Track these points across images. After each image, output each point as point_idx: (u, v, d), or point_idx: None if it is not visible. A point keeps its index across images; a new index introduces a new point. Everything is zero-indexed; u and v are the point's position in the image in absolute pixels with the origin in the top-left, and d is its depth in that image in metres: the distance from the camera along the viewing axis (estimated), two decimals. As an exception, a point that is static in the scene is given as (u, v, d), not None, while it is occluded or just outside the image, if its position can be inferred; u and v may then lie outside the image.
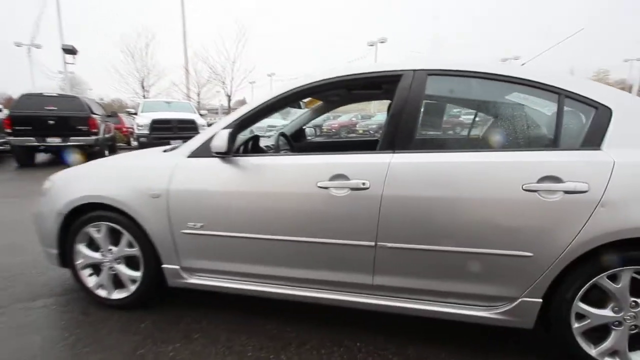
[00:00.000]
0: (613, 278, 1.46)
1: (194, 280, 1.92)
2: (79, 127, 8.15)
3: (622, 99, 1.54)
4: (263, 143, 2.67)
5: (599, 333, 1.53)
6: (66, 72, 14.77)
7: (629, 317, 1.46)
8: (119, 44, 22.42)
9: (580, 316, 1.52)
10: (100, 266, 2.08)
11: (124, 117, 14.52)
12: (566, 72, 1.63)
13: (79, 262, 2.09)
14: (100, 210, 1.97)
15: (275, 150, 2.55)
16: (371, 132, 17.51)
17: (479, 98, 1.80)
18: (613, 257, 1.43)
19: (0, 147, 8.88)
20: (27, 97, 8.15)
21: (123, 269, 2.03)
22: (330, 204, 1.63)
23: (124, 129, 13.80)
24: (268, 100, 1.83)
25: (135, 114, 10.48)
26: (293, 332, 1.86)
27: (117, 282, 2.07)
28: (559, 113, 1.54)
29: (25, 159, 8.21)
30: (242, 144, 2.13)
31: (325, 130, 18.30)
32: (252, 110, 1.85)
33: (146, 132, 8.70)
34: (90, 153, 8.10)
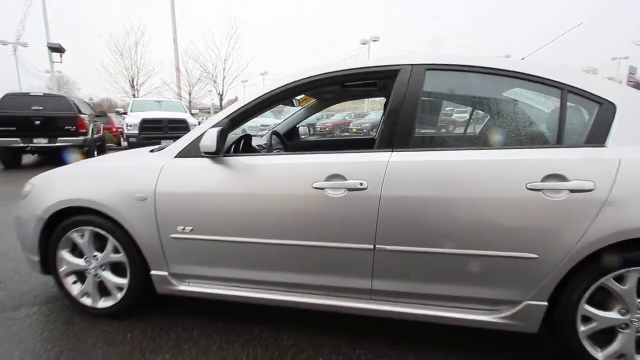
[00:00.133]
0: (619, 279, 1.41)
1: (184, 287, 1.83)
2: (67, 128, 7.95)
3: (626, 95, 1.49)
4: (255, 142, 2.58)
5: (605, 336, 1.48)
6: (53, 71, 14.42)
7: (636, 319, 1.42)
8: (107, 42, 21.88)
9: (586, 319, 1.47)
10: (84, 273, 1.98)
11: (113, 117, 14.26)
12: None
13: (62, 269, 1.99)
14: (84, 214, 1.86)
15: (268, 149, 2.47)
16: (364, 130, 17.48)
17: (479, 94, 1.74)
18: (619, 258, 1.38)
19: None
20: (12, 97, 7.94)
21: (109, 276, 1.93)
22: (327, 205, 1.56)
23: (114, 129, 13.55)
24: (261, 97, 1.75)
25: (125, 113, 10.29)
26: (289, 340, 1.79)
27: (103, 289, 1.97)
28: (562, 109, 1.48)
29: (10, 161, 8.01)
30: (233, 143, 2.05)
31: (318, 129, 18.20)
32: (243, 107, 1.76)
33: (136, 132, 8.53)
34: (79, 154, 7.92)
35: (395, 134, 1.56)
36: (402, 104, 1.57)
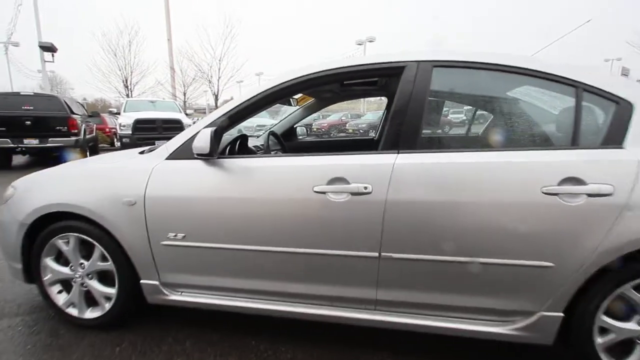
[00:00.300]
0: (639, 288, 1.33)
1: (176, 297, 1.72)
2: (58, 128, 7.79)
3: None
4: (252, 143, 2.48)
5: (622, 347, 1.40)
6: (44, 71, 14.16)
7: (656, 331, 1.34)
8: (100, 42, 21.52)
9: (604, 330, 1.39)
10: (70, 282, 1.86)
11: (106, 117, 14.06)
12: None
13: (47, 277, 1.87)
14: (68, 219, 1.75)
15: (265, 150, 2.36)
16: (361, 131, 17.41)
17: (490, 92, 1.65)
18: (639, 266, 1.30)
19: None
20: (3, 97, 7.79)
21: (96, 285, 1.82)
22: (329, 210, 1.46)
23: (107, 130, 13.34)
24: (257, 95, 1.64)
25: (118, 113, 10.13)
26: (288, 352, 1.69)
27: (90, 299, 1.86)
28: (577, 108, 1.40)
29: (0, 161, 7.81)
30: (228, 144, 1.94)
31: (314, 129, 18.10)
32: (239, 106, 1.66)
33: (129, 132, 8.38)
34: (71, 154, 7.76)
35: (401, 134, 1.47)
36: (408, 103, 1.48)
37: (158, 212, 1.62)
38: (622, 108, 1.38)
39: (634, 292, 1.34)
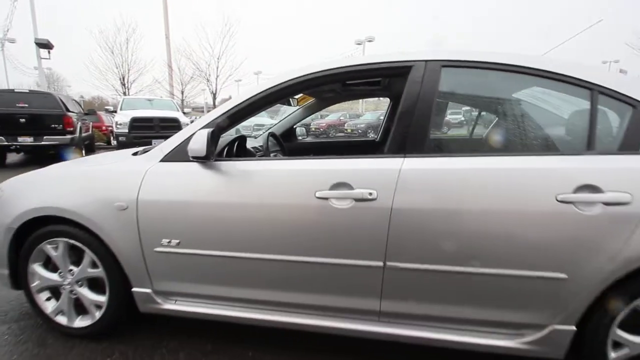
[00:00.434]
0: (656, 302, 1.27)
1: (170, 305, 1.64)
2: (53, 126, 7.68)
3: None
4: (250, 144, 2.40)
5: None
6: (41, 68, 13.98)
7: (674, 347, 1.28)
8: (97, 39, 21.26)
9: (617, 344, 1.33)
10: (59, 289, 1.78)
11: (103, 115, 13.93)
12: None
13: (35, 284, 1.79)
14: (57, 224, 1.67)
15: (265, 152, 2.29)
16: (360, 131, 17.34)
17: (502, 94, 1.58)
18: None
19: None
20: (-3, 94, 7.64)
21: (86, 293, 1.73)
22: (331, 217, 1.39)
23: (104, 128, 13.22)
24: (257, 95, 1.57)
25: (115, 111, 10.00)
26: (286, 365, 1.61)
27: (80, 307, 1.78)
28: (593, 111, 1.34)
29: (-6, 159, 7.70)
30: (226, 145, 1.86)
31: (313, 129, 18.01)
32: (238, 106, 1.58)
33: (125, 130, 8.26)
34: (67, 153, 7.65)
35: (408, 138, 1.40)
36: (416, 105, 1.40)
37: (151, 217, 1.54)
38: (639, 112, 1.32)
39: (650, 305, 1.28)
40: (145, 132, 8.27)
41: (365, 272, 1.41)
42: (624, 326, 1.31)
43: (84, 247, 1.65)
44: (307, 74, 1.56)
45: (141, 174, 1.57)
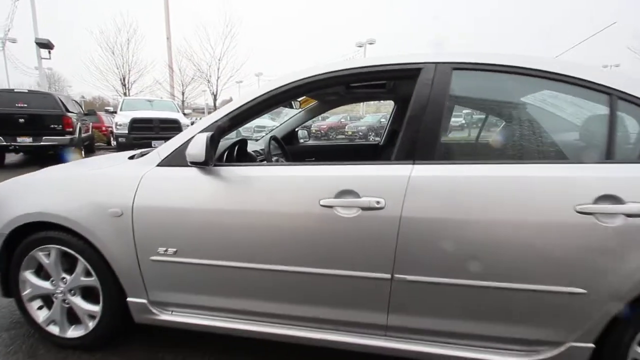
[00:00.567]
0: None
1: (166, 316, 1.57)
2: (52, 126, 7.62)
3: None
4: (251, 147, 2.34)
5: None
6: (41, 68, 13.94)
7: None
8: (98, 39, 21.18)
9: (638, 363, 1.26)
10: (52, 298, 1.71)
11: (103, 116, 13.88)
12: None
13: (26, 292, 1.71)
14: (49, 230, 1.60)
15: (266, 156, 2.22)
16: (360, 133, 17.27)
17: (516, 98, 1.52)
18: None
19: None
20: (-5, 94, 7.58)
21: (79, 302, 1.66)
22: (336, 226, 1.32)
23: (104, 128, 13.17)
24: (259, 97, 1.50)
25: (115, 112, 9.95)
26: (288, 380, 1.54)
27: (73, 316, 1.71)
28: (612, 118, 1.27)
29: (-7, 160, 7.65)
30: (226, 149, 1.80)
31: (314, 131, 17.94)
32: (239, 109, 1.51)
33: (125, 131, 8.20)
34: (67, 153, 7.60)
35: (417, 143, 1.33)
36: (425, 109, 1.34)
37: (147, 224, 1.47)
38: None
39: (672, 322, 1.21)
40: (145, 133, 8.21)
41: (371, 285, 1.34)
42: (644, 344, 1.24)
43: (77, 255, 1.58)
44: (311, 77, 1.49)
45: (137, 178, 1.50)
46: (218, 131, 1.45)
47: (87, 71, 26.10)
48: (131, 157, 1.78)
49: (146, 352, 1.71)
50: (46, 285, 1.69)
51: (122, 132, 8.25)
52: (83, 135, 8.91)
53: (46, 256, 1.65)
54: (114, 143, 9.68)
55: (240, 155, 1.95)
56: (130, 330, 1.79)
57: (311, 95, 2.74)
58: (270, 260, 1.40)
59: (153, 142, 7.56)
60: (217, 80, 22.34)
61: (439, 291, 1.30)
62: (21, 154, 8.38)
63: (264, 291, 1.46)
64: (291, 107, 2.93)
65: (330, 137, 18.59)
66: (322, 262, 1.36)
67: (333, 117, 20.47)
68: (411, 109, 1.36)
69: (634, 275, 1.16)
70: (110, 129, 12.16)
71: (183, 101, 21.82)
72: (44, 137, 7.52)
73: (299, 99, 2.77)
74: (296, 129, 3.11)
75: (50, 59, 13.20)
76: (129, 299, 1.58)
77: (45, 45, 12.63)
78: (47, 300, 1.74)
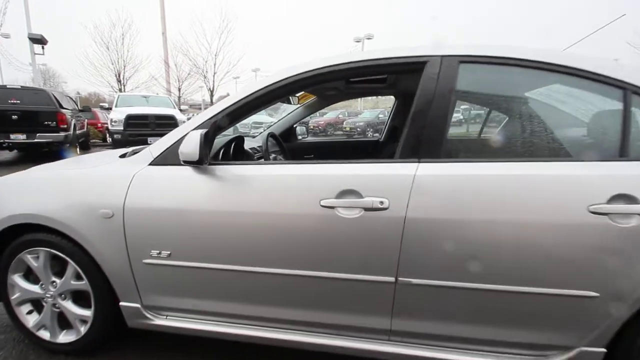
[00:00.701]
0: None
1: (160, 321, 1.51)
2: (46, 123, 7.51)
3: None
4: (249, 144, 2.27)
5: None
6: (35, 64, 13.71)
7: None
8: (92, 34, 20.83)
9: (651, 368, 1.21)
10: (42, 302, 1.64)
11: (98, 112, 13.72)
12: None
13: (15, 296, 1.65)
14: (38, 232, 1.53)
15: (264, 154, 2.15)
16: (358, 129, 17.17)
17: (526, 93, 1.45)
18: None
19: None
20: (-12, 90, 7.46)
21: (70, 306, 1.60)
22: (338, 228, 1.26)
23: (99, 125, 13.02)
24: (255, 92, 1.43)
25: (110, 108, 9.83)
26: (287, 386, 1.49)
27: (65, 321, 1.65)
28: (626, 113, 1.21)
29: (-14, 157, 7.54)
30: (222, 147, 1.73)
31: (311, 127, 17.82)
32: (235, 104, 1.44)
33: (120, 128, 8.09)
34: (62, 150, 7.50)
35: (423, 141, 1.27)
36: (431, 104, 1.27)
37: (139, 226, 1.40)
38: None
39: (688, 326, 1.16)
40: (141, 129, 8.11)
41: (374, 289, 1.28)
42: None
43: (67, 258, 1.52)
44: (310, 70, 1.42)
45: (128, 178, 1.43)
46: (213, 128, 1.38)
47: (82, 67, 25.74)
48: (123, 156, 1.71)
49: (140, 356, 1.66)
50: (35, 289, 1.63)
51: (118, 129, 8.14)
52: (78, 131, 8.79)
53: (35, 259, 1.58)
54: (109, 140, 9.57)
55: (237, 153, 1.89)
56: (124, 335, 1.73)
57: (310, 90, 2.67)
58: (269, 264, 1.34)
59: (149, 139, 7.46)
60: (213, 76, 22.18)
61: (445, 295, 1.24)
62: (15, 151, 8.27)
63: (261, 295, 1.40)
64: (289, 102, 2.86)
65: (328, 133, 18.49)
66: (323, 265, 1.30)
67: (331, 113, 20.35)
68: (416, 105, 1.30)
69: None
70: (105, 125, 12.03)
71: (179, 97, 21.63)
72: (37, 134, 7.42)
73: (298, 95, 2.70)
74: (294, 126, 3.04)
75: (43, 54, 13.00)
76: (121, 304, 1.52)
77: (39, 40, 12.42)
78: (37, 304, 1.68)
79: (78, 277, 1.55)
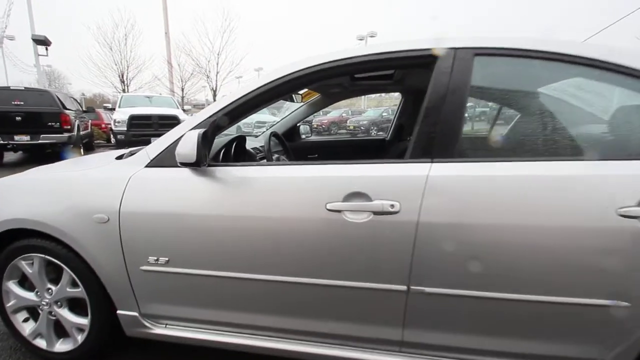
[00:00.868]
0: None
1: (159, 330, 1.44)
2: (50, 124, 7.51)
3: None
4: (251, 144, 2.20)
5: None
6: (39, 65, 13.76)
7: None
8: (95, 35, 20.85)
9: (684, 383, 1.12)
10: (37, 310, 1.59)
11: (102, 113, 13.75)
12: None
13: (10, 304, 1.60)
14: (32, 237, 1.47)
15: (266, 154, 2.07)
16: (362, 128, 17.03)
17: (547, 88, 1.36)
18: None
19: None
20: (-8, 91, 7.47)
21: (66, 315, 1.54)
22: (345, 233, 1.18)
23: (103, 125, 13.04)
24: (256, 90, 1.35)
25: (113, 109, 9.82)
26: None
27: (61, 329, 1.59)
28: None
29: (-9, 158, 7.55)
30: (223, 147, 1.66)
31: (315, 126, 17.73)
32: (234, 103, 1.36)
33: (124, 128, 8.09)
34: (66, 151, 7.50)
35: (436, 139, 1.18)
36: (444, 100, 1.19)
37: (136, 231, 1.33)
38: None
39: None
40: (144, 130, 8.09)
41: (385, 297, 1.20)
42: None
43: (62, 265, 1.45)
44: (314, 66, 1.34)
45: (124, 181, 1.36)
46: (212, 128, 1.31)
47: (85, 68, 25.84)
48: (120, 157, 1.64)
49: (140, 366, 1.59)
50: (31, 296, 1.57)
51: (121, 130, 8.13)
52: (82, 132, 8.79)
53: (29, 265, 1.52)
54: (113, 140, 9.56)
55: (238, 153, 1.81)
56: (123, 344, 1.66)
57: (314, 87, 2.59)
58: (272, 271, 1.26)
59: (152, 139, 7.43)
60: (216, 75, 22.14)
61: (460, 305, 1.16)
62: (20, 152, 8.28)
63: (264, 304, 1.32)
64: (292, 101, 2.78)
65: (332, 132, 18.38)
66: (330, 273, 1.22)
67: (334, 112, 20.23)
68: (428, 101, 1.21)
69: None
70: (109, 126, 12.04)
71: (183, 97, 21.63)
72: (41, 135, 7.43)
73: (301, 92, 2.62)
74: (298, 124, 2.96)
75: (47, 55, 13.05)
76: (119, 312, 1.45)
77: (42, 42, 12.46)
78: (33, 312, 1.62)
79: (74, 285, 1.49)
